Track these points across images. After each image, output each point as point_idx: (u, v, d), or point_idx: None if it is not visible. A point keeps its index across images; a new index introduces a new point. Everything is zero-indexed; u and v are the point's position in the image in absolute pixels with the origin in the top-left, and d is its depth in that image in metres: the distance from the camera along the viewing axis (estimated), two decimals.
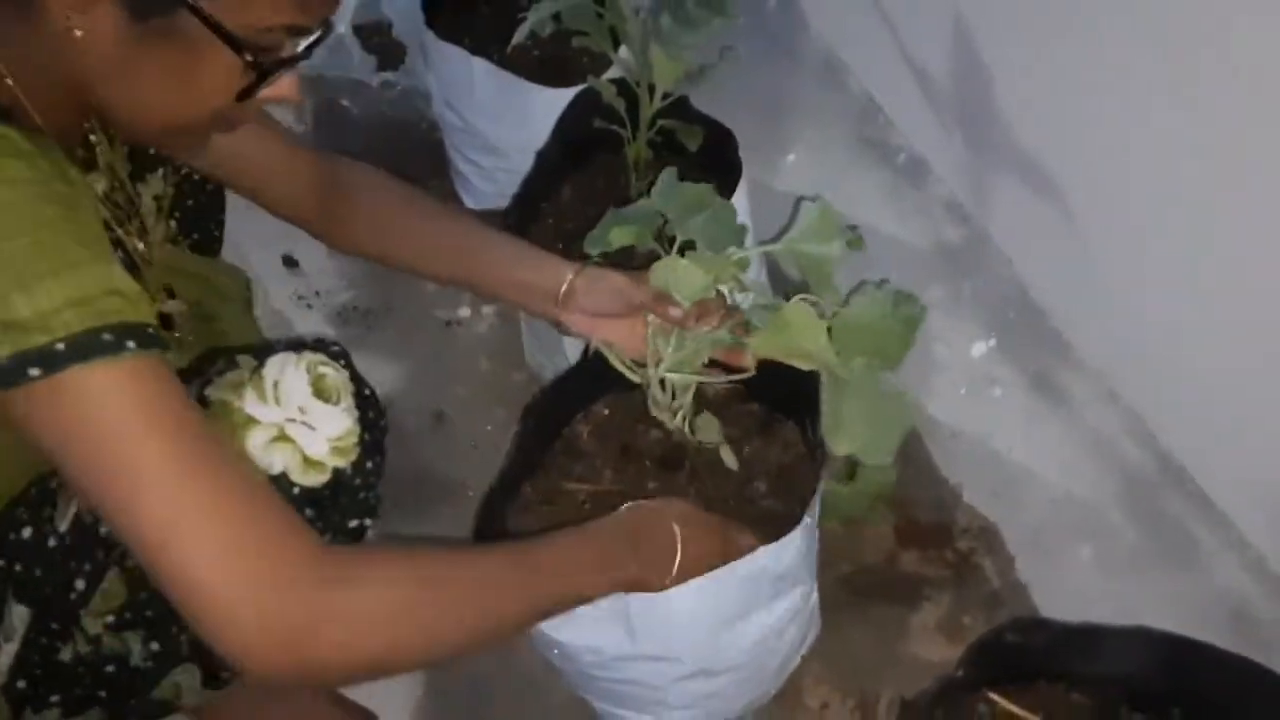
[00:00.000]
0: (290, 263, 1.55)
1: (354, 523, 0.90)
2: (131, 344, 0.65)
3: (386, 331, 1.49)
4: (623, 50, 1.22)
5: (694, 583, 0.90)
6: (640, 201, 0.99)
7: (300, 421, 0.83)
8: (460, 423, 1.40)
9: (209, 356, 0.94)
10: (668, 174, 0.97)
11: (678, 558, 0.89)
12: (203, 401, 0.83)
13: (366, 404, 0.89)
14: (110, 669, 0.86)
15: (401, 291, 1.53)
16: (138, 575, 0.82)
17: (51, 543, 0.82)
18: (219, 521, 0.65)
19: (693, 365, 0.97)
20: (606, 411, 1.11)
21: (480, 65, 1.38)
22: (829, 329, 0.86)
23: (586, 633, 0.93)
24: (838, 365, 0.86)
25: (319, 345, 0.88)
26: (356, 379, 0.89)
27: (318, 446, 0.84)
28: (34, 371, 0.63)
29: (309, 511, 0.85)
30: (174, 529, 0.64)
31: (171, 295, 0.97)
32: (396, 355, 1.46)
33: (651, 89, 1.18)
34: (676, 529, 0.90)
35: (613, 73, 1.29)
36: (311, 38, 0.74)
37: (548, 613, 0.84)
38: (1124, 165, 1.14)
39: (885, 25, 1.45)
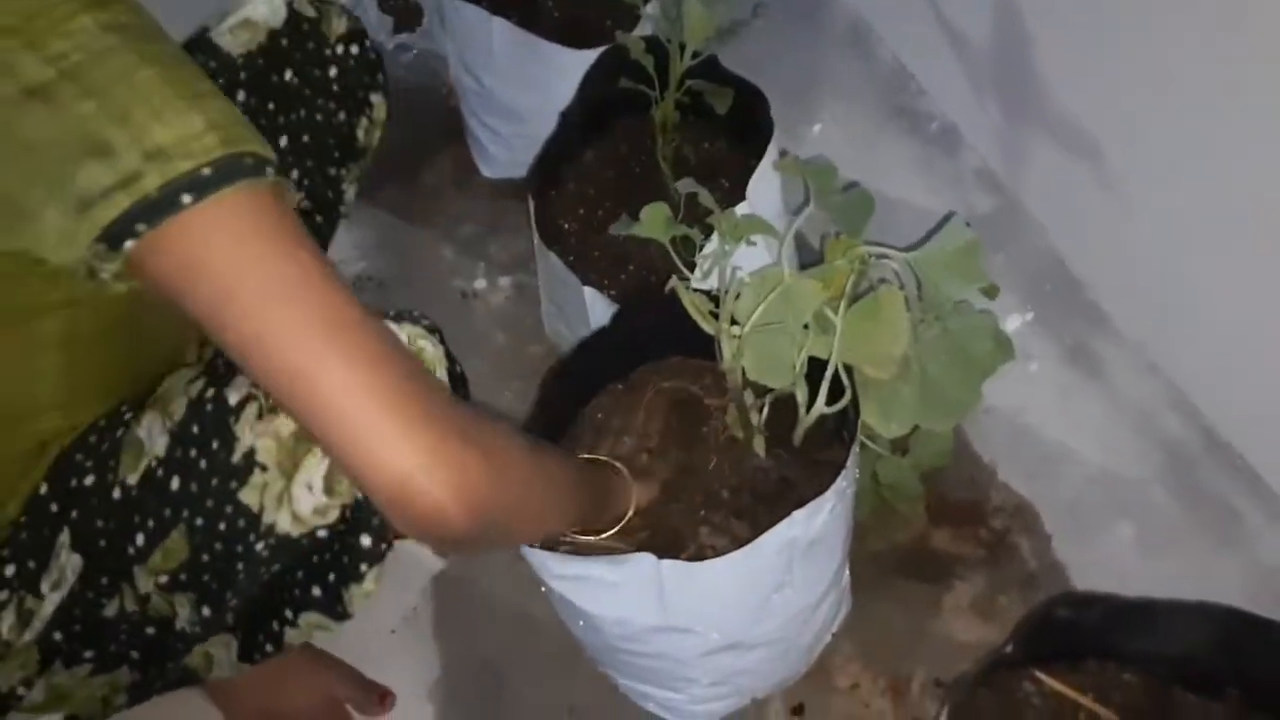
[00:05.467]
0: None
1: None
2: (270, 170, 0.64)
3: (402, 302, 1.45)
4: (651, 6, 1.18)
5: (729, 555, 0.87)
6: None
7: None
8: (477, 394, 1.34)
9: None
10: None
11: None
12: None
13: (457, 382, 0.86)
14: (151, 630, 0.84)
15: (416, 262, 1.49)
16: (203, 537, 0.79)
17: (117, 494, 0.79)
18: (383, 369, 0.64)
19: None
20: (620, 387, 1.08)
21: (500, 25, 1.34)
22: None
23: (616, 603, 0.90)
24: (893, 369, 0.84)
25: (413, 319, 0.85)
26: (450, 357, 0.86)
27: None
28: (186, 199, 0.61)
29: None
30: (336, 376, 0.63)
31: None
32: None
33: (682, 47, 1.14)
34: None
35: (640, 31, 1.25)
36: None
37: (576, 518, 0.88)
38: (1166, 128, 1.10)
39: None
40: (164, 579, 0.81)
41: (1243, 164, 1.02)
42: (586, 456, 1.00)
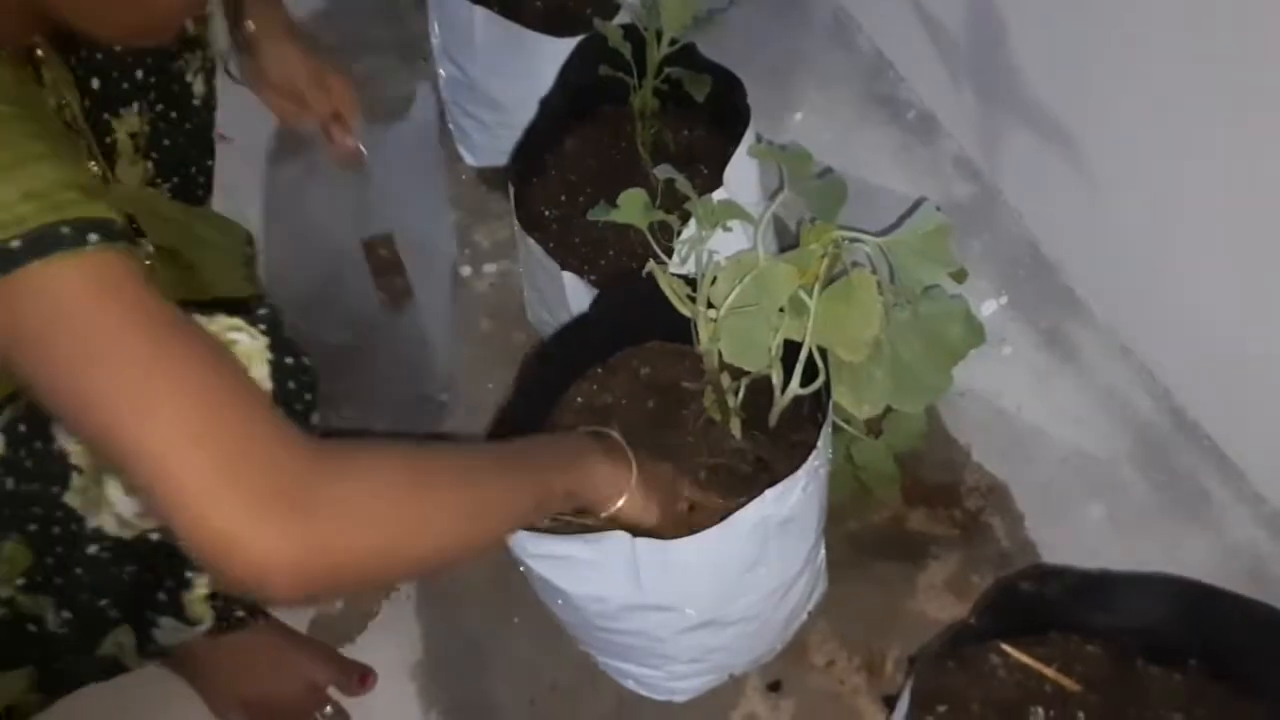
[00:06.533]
0: None
1: None
2: (94, 237, 0.61)
3: None
4: None
5: (703, 532, 0.89)
6: None
7: None
8: (463, 380, 1.38)
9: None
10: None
11: (625, 495, 0.89)
12: None
13: (287, 374, 0.81)
14: (32, 628, 0.83)
15: (403, 248, 1.50)
16: (41, 540, 0.79)
17: None
18: (203, 422, 0.60)
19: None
20: (600, 371, 1.09)
21: (481, 14, 1.35)
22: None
23: (593, 582, 0.91)
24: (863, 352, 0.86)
25: (248, 308, 0.81)
26: (279, 346, 0.81)
27: None
28: None
29: None
30: (152, 434, 0.60)
31: (139, 233, 0.91)
32: None
33: (659, 35, 1.16)
34: (634, 468, 0.90)
35: (620, 20, 1.26)
36: None
37: (522, 514, 0.82)
38: (1139, 117, 1.11)
39: None
40: (21, 581, 0.80)
41: (1215, 150, 1.04)
42: (588, 430, 0.95)
